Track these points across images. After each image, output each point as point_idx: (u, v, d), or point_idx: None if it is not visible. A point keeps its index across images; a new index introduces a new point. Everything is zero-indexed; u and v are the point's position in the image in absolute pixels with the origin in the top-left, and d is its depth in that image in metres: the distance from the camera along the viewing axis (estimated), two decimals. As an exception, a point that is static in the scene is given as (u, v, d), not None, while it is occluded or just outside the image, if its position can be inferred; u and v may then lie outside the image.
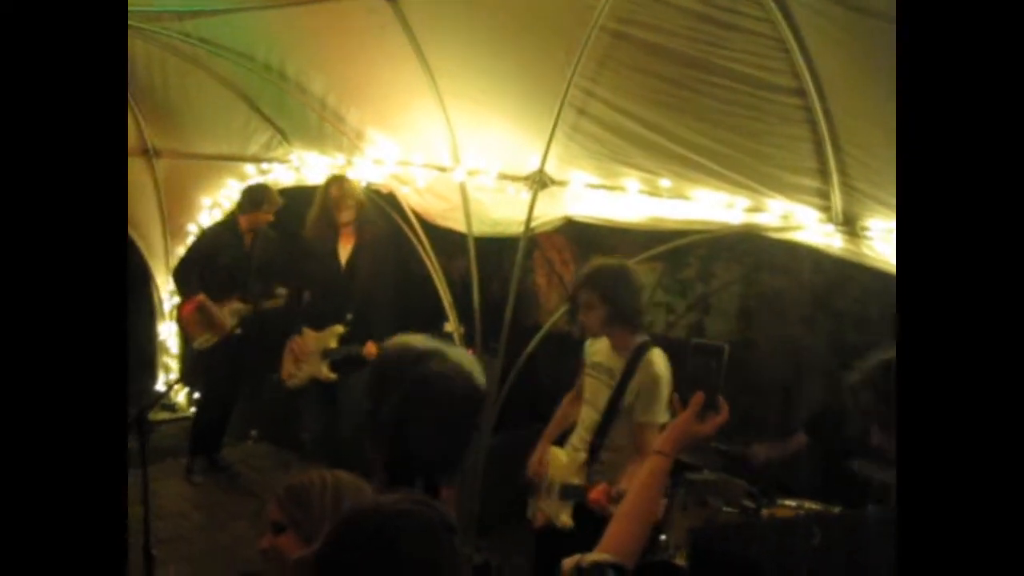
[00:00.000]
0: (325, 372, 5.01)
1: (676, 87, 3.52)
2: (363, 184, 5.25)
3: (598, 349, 3.64)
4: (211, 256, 5.70)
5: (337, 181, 5.05)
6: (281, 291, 5.56)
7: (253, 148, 5.95)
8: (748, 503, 2.77)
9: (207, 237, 5.99)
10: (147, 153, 6.27)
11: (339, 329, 4.98)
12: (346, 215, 4.98)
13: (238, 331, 5.63)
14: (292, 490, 2.05)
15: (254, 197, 5.60)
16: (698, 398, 1.79)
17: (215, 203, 6.45)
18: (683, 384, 1.83)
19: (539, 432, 3.87)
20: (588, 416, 3.60)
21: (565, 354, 4.65)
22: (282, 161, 5.95)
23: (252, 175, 6.11)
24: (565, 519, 3.47)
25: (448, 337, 4.97)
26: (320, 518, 1.92)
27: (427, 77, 4.36)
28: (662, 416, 3.35)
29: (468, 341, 4.92)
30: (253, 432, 6.71)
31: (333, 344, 4.99)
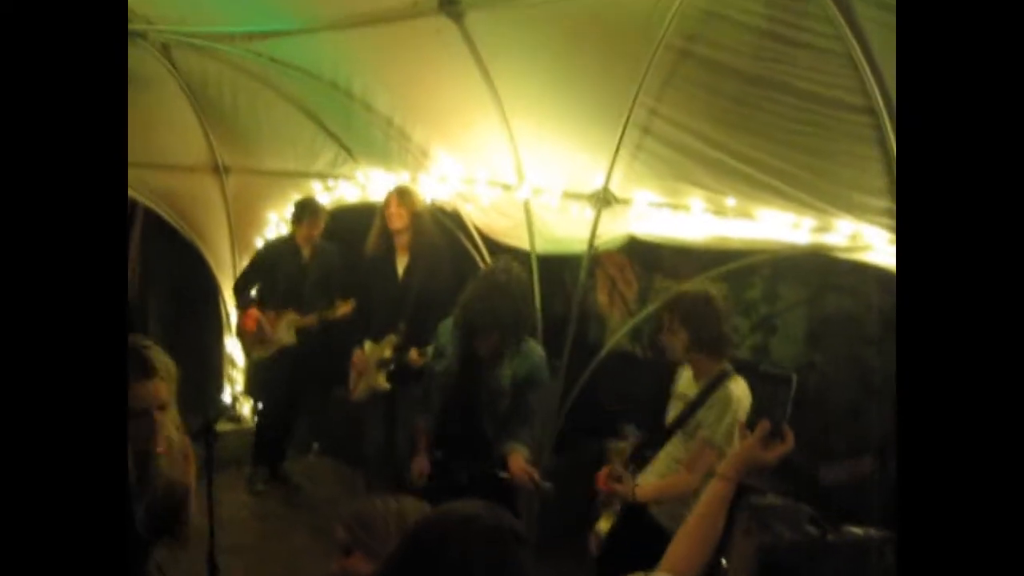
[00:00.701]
0: (380, 382, 5.07)
1: (741, 105, 3.50)
2: (425, 197, 5.32)
3: (684, 379, 3.64)
4: (267, 270, 5.87)
5: (394, 192, 5.12)
6: (342, 302, 5.66)
7: (319, 165, 6.08)
8: (813, 529, 2.72)
9: (264, 251, 6.17)
10: (217, 170, 6.45)
11: (393, 339, 5.04)
12: (399, 224, 5.03)
13: (294, 343, 5.74)
14: (358, 514, 2.07)
15: (297, 211, 5.79)
16: (764, 425, 1.82)
17: (281, 218, 6.58)
18: (749, 410, 1.85)
19: (601, 452, 3.86)
20: (682, 448, 3.55)
21: (627, 373, 4.64)
22: (348, 178, 6.06)
23: (318, 191, 6.23)
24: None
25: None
26: (386, 539, 1.92)
27: (492, 95, 4.41)
28: (725, 439, 3.31)
29: (553, 350, 4.92)
30: (315, 445, 6.80)
31: (388, 354, 5.06)
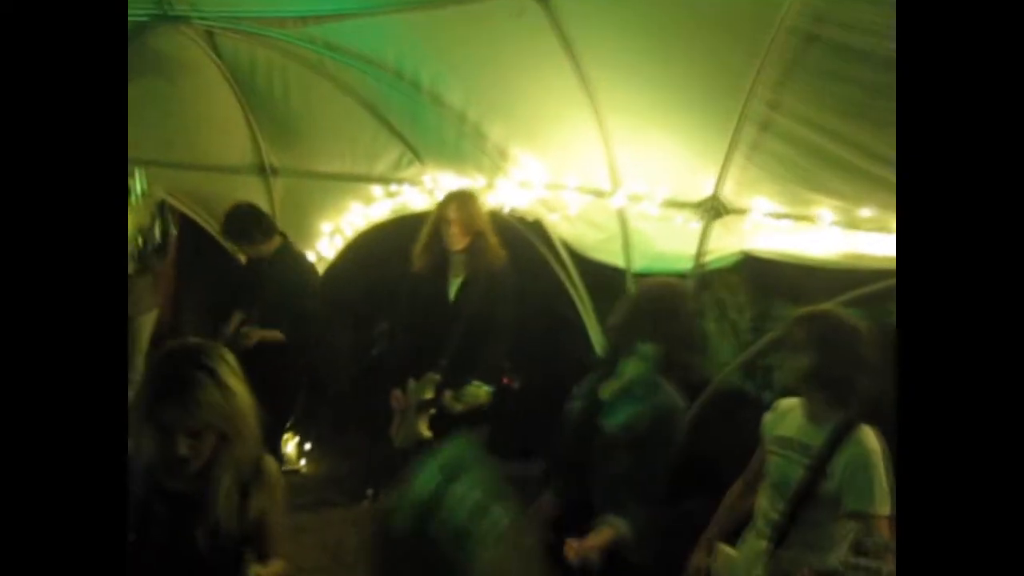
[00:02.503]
0: (422, 431, 4.90)
1: (878, 96, 3.44)
2: (502, 207, 5.37)
3: (788, 421, 3.45)
4: None
5: (454, 200, 5.03)
6: (383, 326, 5.69)
7: (381, 167, 6.19)
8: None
9: None
10: (263, 171, 6.60)
11: (435, 378, 4.90)
12: (458, 241, 4.93)
13: None
14: None
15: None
16: None
17: (336, 229, 6.71)
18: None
19: (705, 509, 3.81)
20: (772, 503, 3.42)
21: (737, 416, 4.58)
22: (413, 183, 6.16)
23: (379, 197, 6.34)
24: None
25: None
26: None
27: (582, 87, 4.43)
28: (883, 505, 3.07)
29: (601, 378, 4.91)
30: (369, 491, 6.89)
31: (429, 395, 4.90)
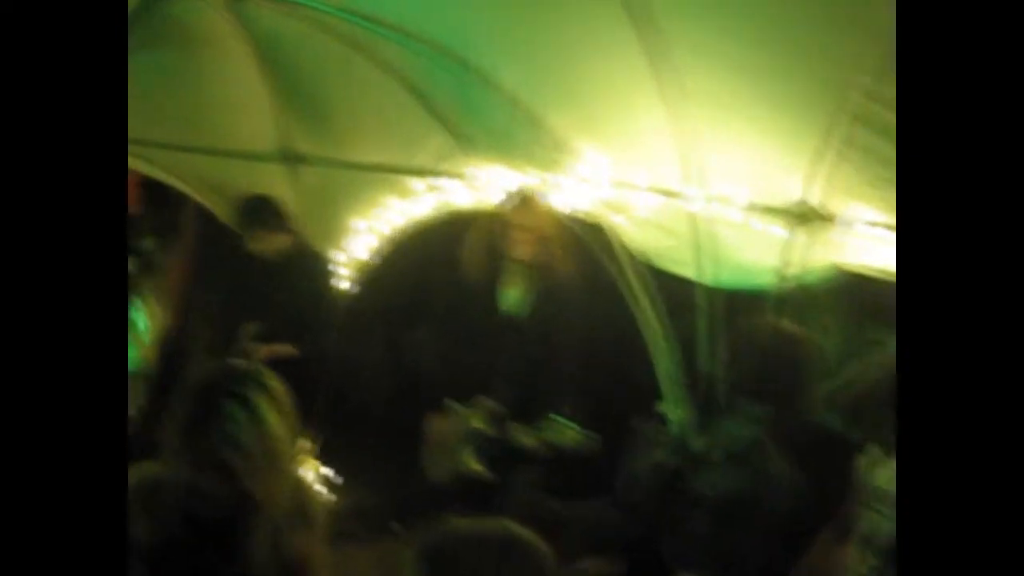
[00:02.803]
0: (468, 463, 4.92)
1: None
2: (560, 209, 5.34)
3: (886, 469, 3.39)
4: None
5: (519, 200, 5.07)
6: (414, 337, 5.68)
7: (421, 157, 6.16)
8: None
9: None
10: (288, 158, 6.61)
11: (488, 404, 4.93)
12: (523, 249, 4.96)
13: None
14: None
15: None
16: None
17: (372, 227, 6.72)
18: None
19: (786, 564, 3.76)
20: (861, 557, 3.42)
21: (820, 456, 4.51)
22: (456, 175, 6.13)
23: (419, 192, 6.33)
24: None
25: (661, 423, 4.93)
26: None
27: (655, 71, 4.37)
28: None
29: (691, 429, 4.86)
30: (395, 525, 6.89)
31: (479, 424, 4.91)
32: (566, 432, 4.64)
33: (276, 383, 2.71)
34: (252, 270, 6.87)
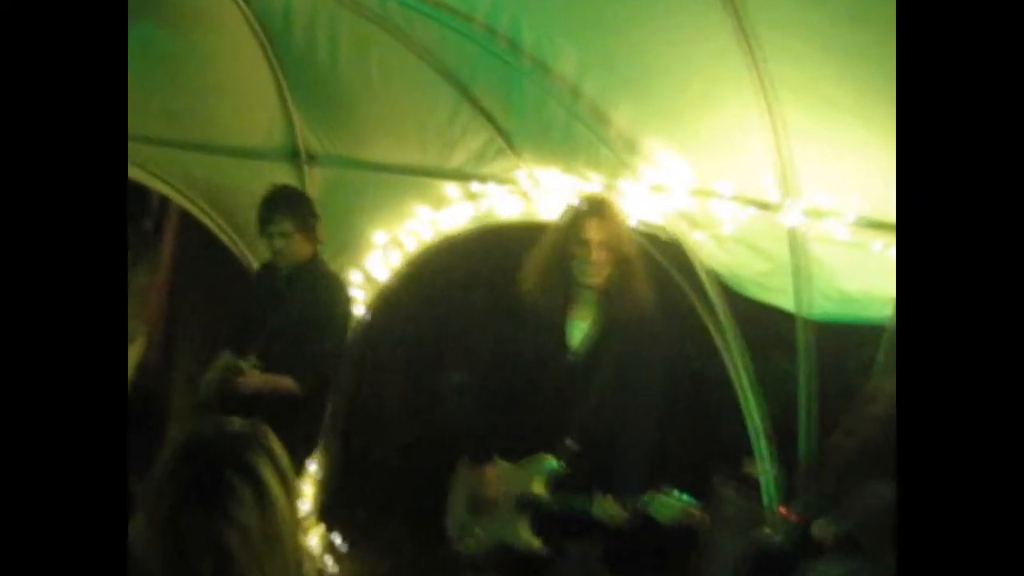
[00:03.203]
0: (524, 537, 4.82)
1: None
2: (634, 222, 5.31)
3: None
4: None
5: (594, 211, 4.96)
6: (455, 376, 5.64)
7: (459, 158, 6.14)
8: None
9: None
10: (297, 157, 6.62)
11: (550, 462, 4.84)
12: (598, 272, 4.87)
13: None
14: None
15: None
16: None
17: (394, 240, 6.71)
18: None
19: None
20: None
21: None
22: (503, 181, 6.12)
23: (454, 199, 6.31)
24: None
25: (751, 484, 4.86)
26: None
27: (746, 61, 4.33)
28: None
29: (785, 493, 4.81)
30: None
31: (539, 489, 4.82)
32: (673, 505, 4.53)
33: (279, 447, 2.66)
34: (241, 288, 6.86)
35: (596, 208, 4.93)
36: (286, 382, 5.50)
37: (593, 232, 4.80)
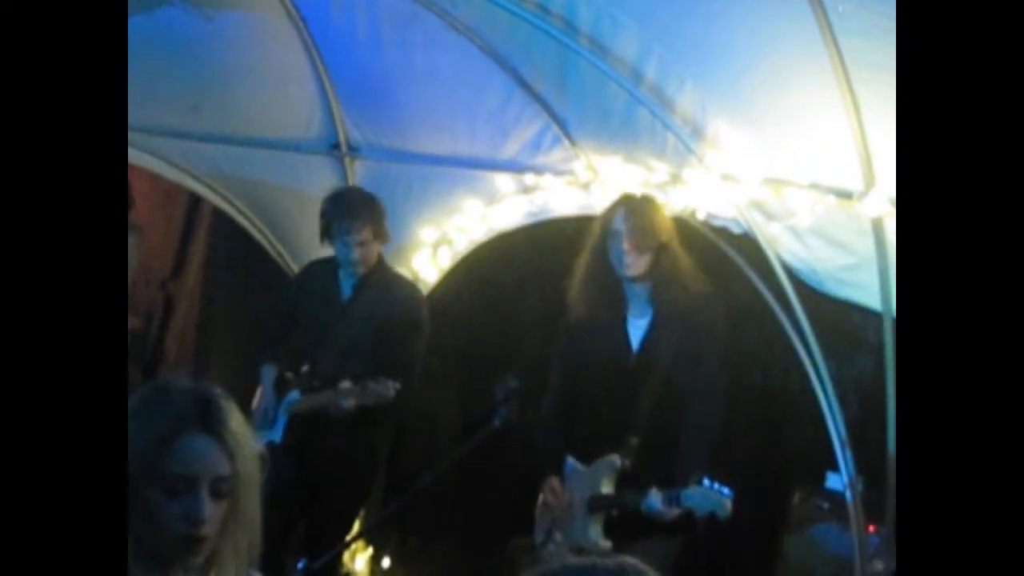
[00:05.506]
0: (595, 537, 4.91)
1: None
2: (694, 211, 5.34)
3: None
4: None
5: (622, 204, 5.05)
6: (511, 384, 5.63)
7: (512, 149, 6.14)
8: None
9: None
10: (337, 149, 6.64)
11: (616, 463, 4.91)
12: (634, 263, 4.92)
13: None
14: None
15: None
16: None
17: (443, 238, 6.73)
18: None
19: None
20: None
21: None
22: (559, 172, 6.10)
23: (508, 193, 6.31)
24: None
25: (837, 497, 4.79)
26: None
27: (826, 40, 4.27)
28: None
29: (872, 509, 4.76)
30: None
31: (607, 488, 4.92)
32: (709, 496, 4.55)
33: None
34: (278, 294, 6.88)
35: (623, 202, 5.05)
36: (386, 390, 5.53)
37: (621, 223, 4.91)
